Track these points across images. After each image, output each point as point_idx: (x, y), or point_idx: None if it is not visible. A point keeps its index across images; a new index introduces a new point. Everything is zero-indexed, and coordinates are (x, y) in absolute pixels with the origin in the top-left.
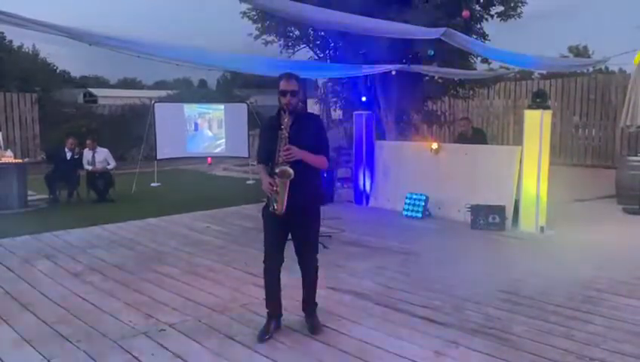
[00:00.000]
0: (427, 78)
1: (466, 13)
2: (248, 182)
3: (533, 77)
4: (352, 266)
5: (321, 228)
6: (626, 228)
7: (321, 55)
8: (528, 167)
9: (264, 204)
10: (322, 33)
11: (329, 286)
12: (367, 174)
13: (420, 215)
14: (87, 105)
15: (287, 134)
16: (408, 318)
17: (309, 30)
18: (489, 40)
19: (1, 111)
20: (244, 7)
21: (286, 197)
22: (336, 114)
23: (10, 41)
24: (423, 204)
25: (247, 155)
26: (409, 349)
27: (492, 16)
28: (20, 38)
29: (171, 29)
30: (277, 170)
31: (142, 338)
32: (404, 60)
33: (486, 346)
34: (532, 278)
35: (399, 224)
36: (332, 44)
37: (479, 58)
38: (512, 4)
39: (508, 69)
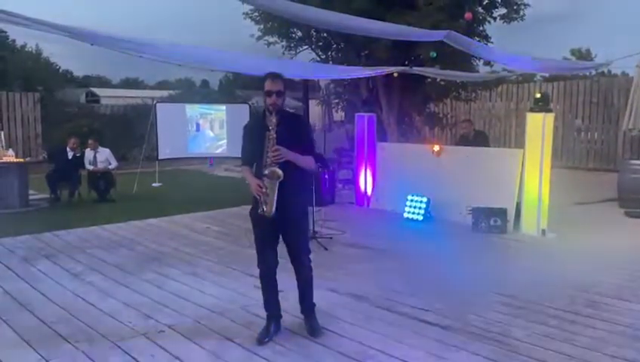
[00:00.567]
0: (429, 80)
1: (468, 15)
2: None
3: (535, 80)
4: (352, 268)
5: (322, 230)
6: (627, 231)
7: (324, 56)
8: (530, 170)
9: (251, 206)
10: (324, 35)
11: (329, 289)
12: (369, 176)
13: (421, 217)
14: (89, 105)
15: (275, 135)
16: (409, 321)
17: (312, 31)
18: (492, 42)
19: (4, 110)
20: (247, 8)
21: (275, 199)
22: (338, 115)
23: (14, 41)
24: (425, 206)
25: None
26: (409, 352)
27: (495, 18)
28: (23, 38)
29: (181, 34)
30: (266, 172)
31: (141, 339)
32: (406, 62)
33: (487, 350)
34: (533, 282)
35: (400, 226)
36: (334, 46)
37: (481, 60)
38: (515, 7)
39: (510, 71)
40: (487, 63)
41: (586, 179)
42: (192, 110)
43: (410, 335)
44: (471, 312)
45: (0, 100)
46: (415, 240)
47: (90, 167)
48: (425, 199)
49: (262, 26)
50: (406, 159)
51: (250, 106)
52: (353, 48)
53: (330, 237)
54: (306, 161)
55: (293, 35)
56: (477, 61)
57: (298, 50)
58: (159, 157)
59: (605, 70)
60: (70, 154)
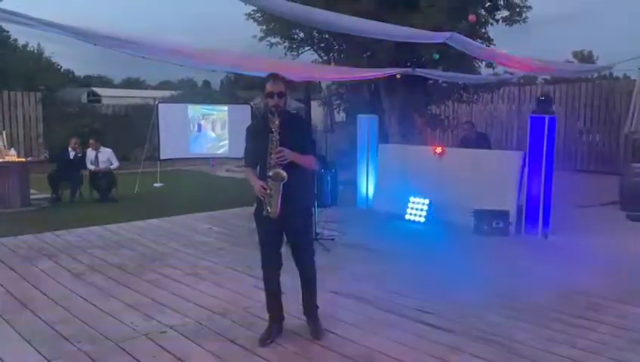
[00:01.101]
0: (431, 81)
1: (472, 17)
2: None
3: (537, 82)
4: (354, 270)
5: (324, 231)
6: (629, 234)
7: (326, 57)
8: (532, 173)
9: (255, 207)
10: (327, 36)
11: (331, 290)
12: (371, 177)
13: (423, 219)
14: (90, 105)
15: (278, 137)
16: (411, 323)
17: (314, 32)
18: (494, 44)
19: (5, 109)
20: (249, 8)
21: (280, 200)
22: (340, 117)
23: (15, 40)
24: (427, 208)
25: None
26: (411, 354)
27: (497, 20)
28: (25, 37)
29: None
30: (270, 173)
31: (143, 339)
32: (408, 64)
33: (488, 353)
34: (535, 285)
35: (402, 228)
36: (336, 47)
37: (484, 62)
38: (518, 9)
39: (512, 73)
40: (489, 65)
41: (587, 181)
42: (194, 110)
43: (413, 338)
44: (473, 314)
45: (1, 100)
46: (417, 243)
47: (92, 167)
48: (427, 201)
49: (264, 27)
50: (408, 161)
51: (251, 107)
52: (355, 49)
53: (332, 239)
54: (308, 161)
55: (296, 36)
56: (479, 63)
57: (300, 51)
58: (161, 158)
59: (607, 73)
60: (72, 154)
